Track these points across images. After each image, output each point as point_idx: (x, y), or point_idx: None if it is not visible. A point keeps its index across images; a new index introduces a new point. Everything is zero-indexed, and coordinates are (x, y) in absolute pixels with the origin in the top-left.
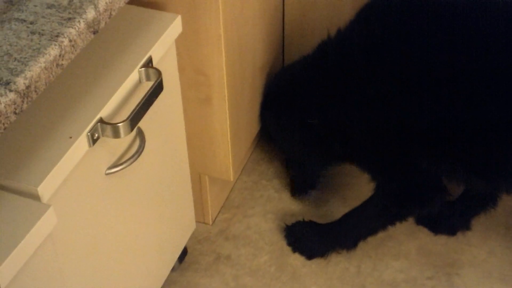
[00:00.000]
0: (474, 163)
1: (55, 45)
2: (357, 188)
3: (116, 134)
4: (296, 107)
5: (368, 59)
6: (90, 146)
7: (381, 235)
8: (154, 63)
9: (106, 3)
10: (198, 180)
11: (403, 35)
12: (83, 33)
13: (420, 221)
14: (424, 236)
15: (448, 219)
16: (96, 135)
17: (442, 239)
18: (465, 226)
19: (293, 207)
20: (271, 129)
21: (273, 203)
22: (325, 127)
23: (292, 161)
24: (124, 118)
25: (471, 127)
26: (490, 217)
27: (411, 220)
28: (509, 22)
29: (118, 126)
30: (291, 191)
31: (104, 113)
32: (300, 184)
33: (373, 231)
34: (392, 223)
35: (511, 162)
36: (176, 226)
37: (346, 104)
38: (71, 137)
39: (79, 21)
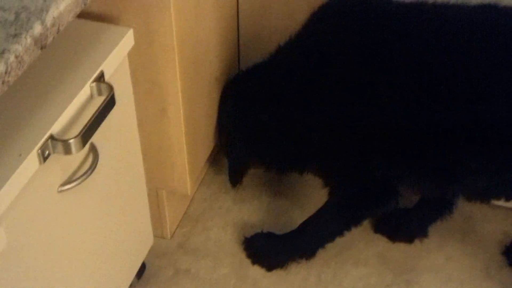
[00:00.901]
0: (424, 168)
1: (0, 61)
2: (316, 197)
3: (67, 150)
4: (255, 103)
5: (322, 61)
6: (41, 163)
7: (340, 243)
8: (107, 78)
9: (53, 18)
10: (156, 194)
11: (355, 37)
12: (30, 49)
13: (378, 229)
14: (382, 243)
15: (405, 227)
16: (47, 152)
17: (400, 246)
18: (422, 233)
19: (252, 218)
20: (224, 119)
21: (232, 214)
22: (280, 126)
23: (230, 151)
24: (76, 134)
25: (422, 132)
26: (447, 223)
27: (369, 228)
28: (462, 27)
29: (70, 142)
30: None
31: (55, 129)
32: (233, 173)
33: (330, 237)
34: (348, 227)
35: (459, 167)
36: (133, 242)
37: (302, 106)
38: (20, 155)
39: (25, 37)
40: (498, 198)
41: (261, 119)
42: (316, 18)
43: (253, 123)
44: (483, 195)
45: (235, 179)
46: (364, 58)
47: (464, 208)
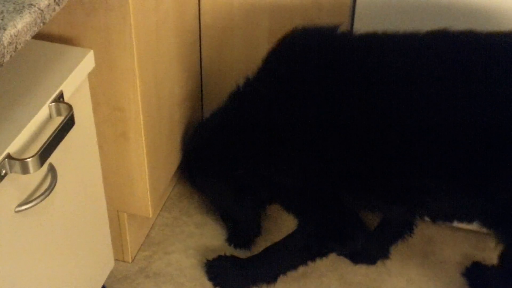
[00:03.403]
0: (391, 194)
1: None
2: (279, 221)
3: (25, 170)
4: (219, 161)
5: (279, 105)
6: None
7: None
8: (66, 98)
9: (11, 36)
10: (117, 217)
11: (311, 78)
12: None
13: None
14: (345, 266)
15: (367, 249)
16: (4, 171)
17: (362, 269)
18: (384, 255)
19: (214, 243)
20: (201, 187)
21: (194, 238)
22: (249, 175)
23: (228, 215)
24: (34, 153)
25: (386, 160)
26: (408, 246)
27: None
28: (414, 55)
29: (27, 161)
30: (235, 244)
31: (12, 148)
32: (243, 235)
33: (293, 266)
34: (313, 259)
35: (424, 192)
36: (93, 265)
37: (265, 149)
38: None
39: None
40: (461, 220)
41: (237, 175)
42: (270, 64)
43: (232, 183)
44: (448, 217)
45: (247, 239)
46: (324, 97)
47: (424, 231)
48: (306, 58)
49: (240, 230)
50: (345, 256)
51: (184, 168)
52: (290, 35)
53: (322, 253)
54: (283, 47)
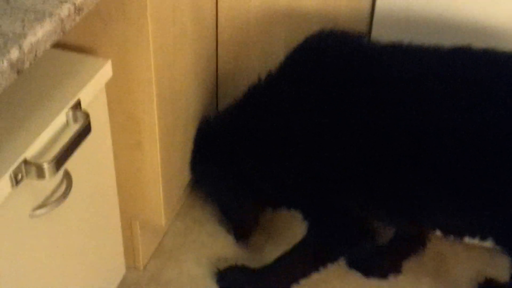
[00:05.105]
0: (397, 207)
1: None
2: (291, 233)
3: (40, 175)
4: (228, 153)
5: (296, 103)
6: (13, 186)
7: (314, 279)
8: (83, 106)
9: (31, 44)
10: (129, 225)
11: (330, 80)
12: (6, 72)
13: (352, 265)
14: (356, 279)
15: (379, 263)
16: (20, 175)
17: (374, 283)
18: (396, 269)
19: (227, 252)
20: (203, 180)
21: (206, 248)
22: (258, 171)
23: (227, 210)
24: (50, 159)
25: (394, 172)
26: (421, 262)
27: (343, 263)
28: (435, 71)
29: (43, 166)
30: (236, 238)
31: (29, 153)
32: (240, 229)
33: (305, 274)
34: (324, 264)
35: (431, 202)
36: (105, 271)
37: (276, 148)
38: None
39: (2, 61)
40: (472, 236)
41: (245, 167)
42: (291, 61)
43: (237, 172)
44: (457, 232)
45: (245, 234)
46: (340, 101)
47: (437, 247)
48: (328, 60)
49: (236, 225)
50: (357, 269)
51: (192, 156)
52: (316, 36)
53: (332, 257)
54: (307, 46)
